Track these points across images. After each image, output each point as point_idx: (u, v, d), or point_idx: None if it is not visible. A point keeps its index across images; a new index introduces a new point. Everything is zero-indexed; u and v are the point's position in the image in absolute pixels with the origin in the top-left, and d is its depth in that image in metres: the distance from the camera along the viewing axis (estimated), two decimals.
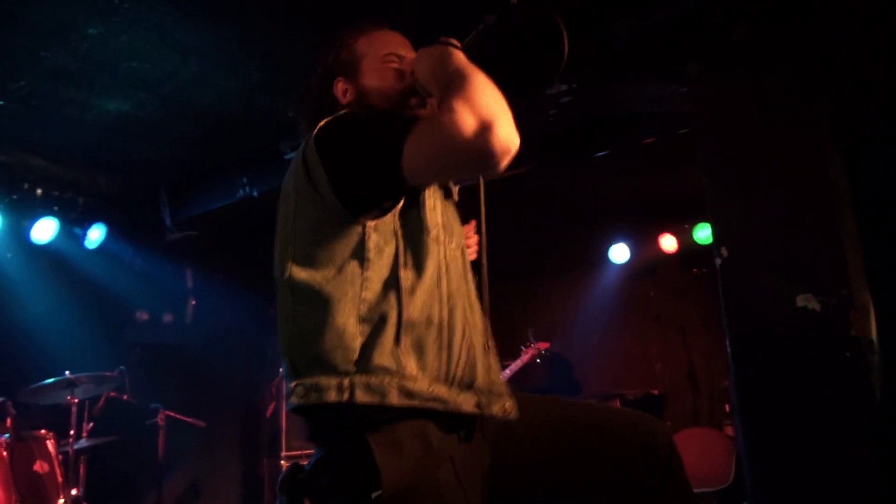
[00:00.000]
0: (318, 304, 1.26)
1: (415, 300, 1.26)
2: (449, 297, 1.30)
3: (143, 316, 4.92)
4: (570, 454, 1.41)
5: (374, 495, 1.15)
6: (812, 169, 2.35)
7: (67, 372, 3.48)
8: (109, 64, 3.18)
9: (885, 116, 2.44)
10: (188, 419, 4.13)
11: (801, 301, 2.30)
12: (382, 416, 1.21)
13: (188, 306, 5.12)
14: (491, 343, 1.40)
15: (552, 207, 5.45)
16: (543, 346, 4.61)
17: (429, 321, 1.27)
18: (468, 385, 1.29)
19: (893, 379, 2.25)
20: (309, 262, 1.29)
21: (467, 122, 1.13)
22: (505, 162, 1.18)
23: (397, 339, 1.24)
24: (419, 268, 1.29)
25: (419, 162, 1.19)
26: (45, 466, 3.07)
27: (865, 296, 2.30)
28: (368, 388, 1.21)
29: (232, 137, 3.96)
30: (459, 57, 1.29)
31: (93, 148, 4.15)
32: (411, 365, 1.24)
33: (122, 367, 3.81)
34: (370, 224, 1.28)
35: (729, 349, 2.47)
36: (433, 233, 1.33)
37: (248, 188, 4.18)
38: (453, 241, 1.38)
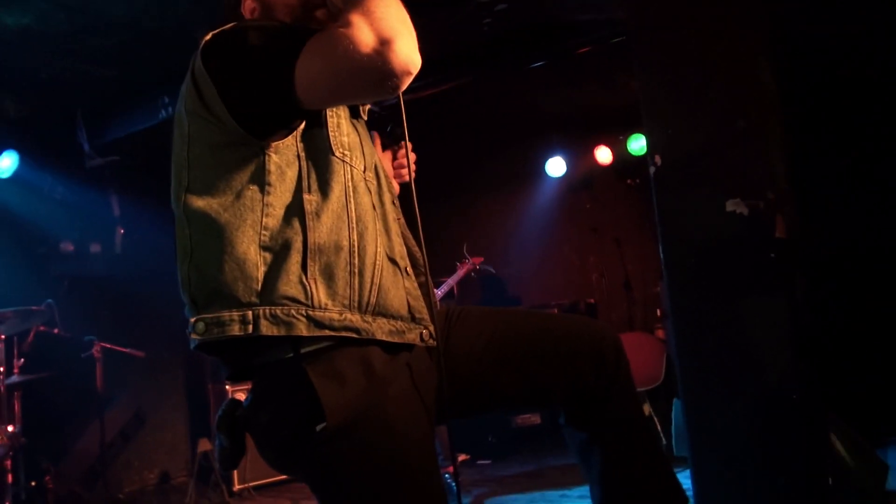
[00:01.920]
0: (217, 234, 1.18)
1: (321, 224, 1.20)
2: (358, 220, 1.23)
3: (68, 247, 4.71)
4: (517, 364, 1.42)
5: (318, 428, 1.12)
6: (744, 76, 2.38)
7: None
8: None
9: (816, 24, 2.48)
10: (126, 350, 4.05)
11: (730, 206, 2.37)
12: (318, 344, 1.17)
13: (116, 235, 4.92)
14: (410, 268, 1.35)
15: (488, 121, 5.41)
16: (478, 260, 4.66)
17: (337, 246, 1.20)
18: (381, 312, 1.24)
19: (814, 278, 2.38)
20: (205, 189, 1.21)
21: (364, 37, 1.06)
22: (404, 83, 1.10)
23: (304, 266, 1.18)
24: (324, 191, 1.22)
25: (312, 81, 1.11)
26: None
27: (790, 200, 2.39)
28: (274, 319, 1.15)
29: (149, 53, 3.70)
30: None
31: None
32: (320, 293, 1.18)
33: (49, 300, 3.67)
34: (270, 146, 1.20)
35: (661, 255, 2.55)
36: (338, 153, 1.25)
37: (170, 109, 3.96)
38: (363, 162, 1.30)
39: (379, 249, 1.26)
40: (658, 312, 5.19)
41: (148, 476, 4.93)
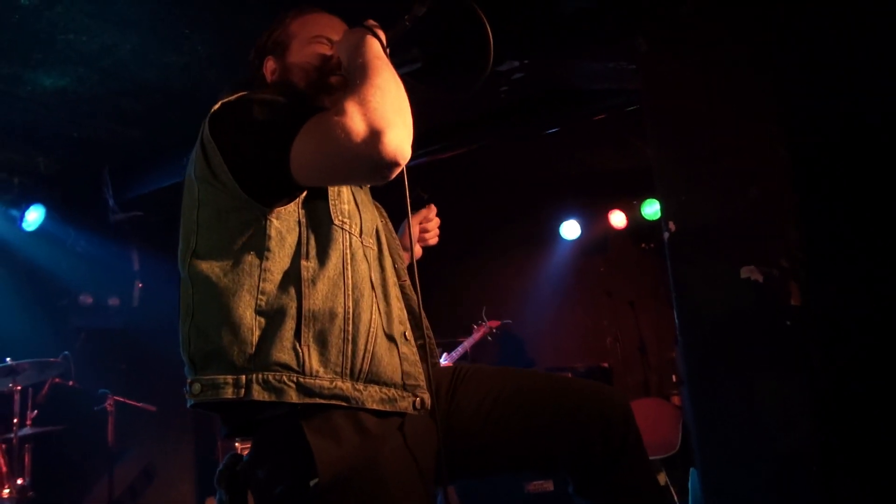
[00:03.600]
0: (216, 297, 1.22)
1: (316, 291, 1.21)
2: (354, 288, 1.25)
3: (87, 300, 4.77)
4: (522, 427, 1.40)
5: (311, 483, 1.13)
6: (757, 144, 2.42)
7: (9, 359, 3.37)
8: (44, 37, 3.04)
9: (828, 94, 2.53)
10: (138, 404, 4.05)
11: (744, 273, 2.38)
12: (314, 405, 1.18)
13: (135, 289, 4.99)
14: (410, 331, 1.35)
15: (503, 185, 5.49)
16: (494, 324, 4.68)
17: (332, 313, 1.21)
18: (374, 379, 1.24)
19: (830, 345, 2.35)
20: (210, 252, 1.25)
21: (356, 126, 1.09)
22: (393, 172, 1.14)
23: (297, 333, 1.20)
24: (322, 258, 1.24)
25: (305, 162, 1.15)
26: None
27: (805, 266, 2.40)
28: (266, 384, 1.17)
29: (177, 115, 3.84)
30: (373, 48, 1.24)
31: (29, 126, 3.97)
32: (313, 360, 1.19)
33: (66, 352, 3.70)
34: (272, 212, 1.23)
35: (676, 321, 2.55)
36: (337, 221, 1.28)
37: None
38: (362, 229, 1.32)
39: (374, 317, 1.26)
40: (674, 378, 5.12)
41: None
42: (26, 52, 3.17)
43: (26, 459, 3.23)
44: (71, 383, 3.62)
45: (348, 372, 1.21)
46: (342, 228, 1.28)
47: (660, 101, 2.66)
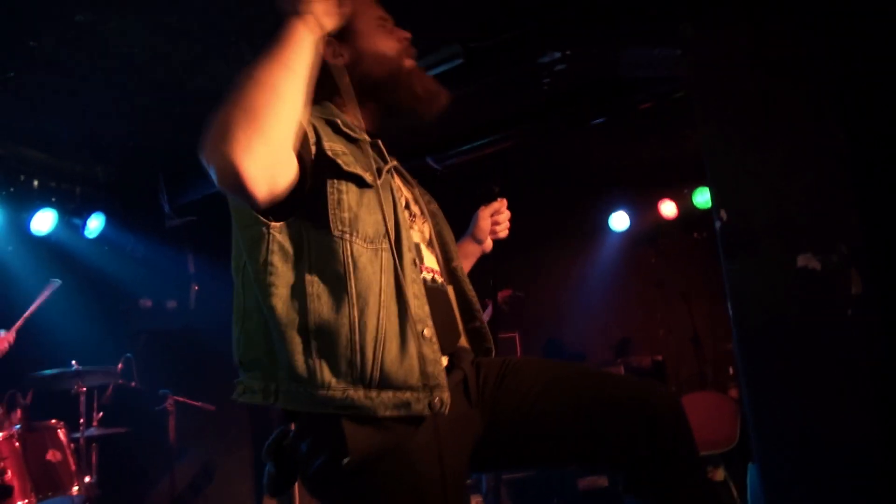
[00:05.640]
0: (245, 312, 1.30)
1: (322, 304, 1.21)
2: (358, 297, 1.22)
3: (146, 303, 4.94)
4: (567, 422, 1.38)
5: (344, 461, 1.17)
6: (811, 127, 2.33)
7: (74, 362, 3.51)
8: (99, 50, 3.15)
9: (883, 70, 2.42)
10: (198, 403, 4.17)
11: (801, 261, 2.30)
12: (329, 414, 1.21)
13: (191, 291, 5.13)
14: (431, 332, 1.29)
15: (550, 176, 5.44)
16: (505, 293, 4.61)
17: (338, 325, 1.21)
18: (387, 385, 1.22)
19: (894, 335, 2.26)
20: (236, 268, 1.33)
21: (213, 128, 1.10)
22: (245, 192, 1.10)
23: (307, 346, 1.21)
24: (323, 270, 1.23)
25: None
26: (58, 455, 3.11)
27: (867, 252, 2.30)
28: (288, 394, 1.23)
29: None
30: (295, 36, 1.22)
31: (87, 137, 4.13)
32: (323, 372, 1.20)
33: (128, 354, 3.84)
34: (274, 226, 1.24)
35: (731, 313, 2.48)
36: (336, 231, 1.24)
37: None
38: (368, 234, 1.27)
39: (382, 322, 1.24)
40: (730, 370, 4.99)
41: None
42: (83, 66, 3.29)
43: (93, 458, 3.36)
44: (133, 384, 3.75)
45: (359, 380, 1.21)
46: (342, 238, 1.24)
47: (708, 86, 2.59)
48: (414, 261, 1.35)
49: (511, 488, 4.54)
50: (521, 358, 1.49)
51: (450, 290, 1.50)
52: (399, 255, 1.30)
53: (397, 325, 1.26)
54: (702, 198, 5.25)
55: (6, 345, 3.35)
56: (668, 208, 5.44)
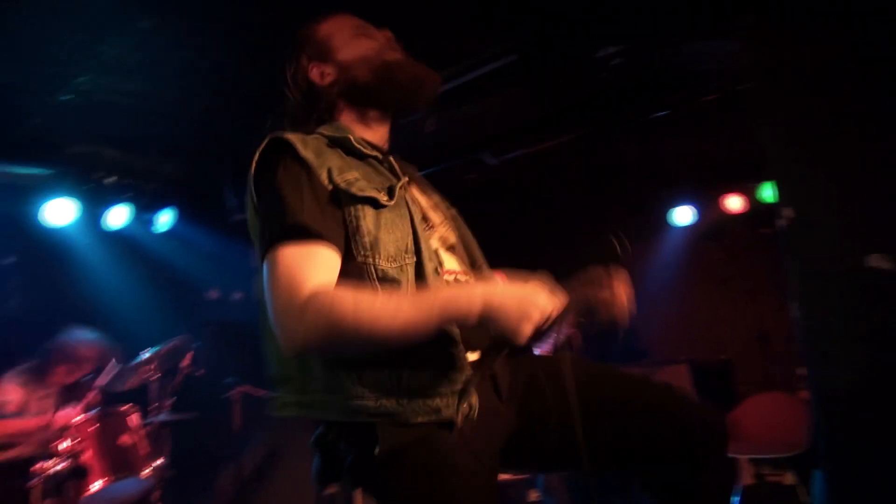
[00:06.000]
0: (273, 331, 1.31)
1: None
2: None
3: (213, 294, 5.12)
4: (602, 427, 1.37)
5: (375, 451, 1.22)
6: (881, 119, 2.21)
7: (146, 351, 3.67)
8: (164, 55, 3.28)
9: None
10: (262, 391, 4.30)
11: (872, 261, 2.19)
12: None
13: (255, 284, 5.28)
14: (459, 335, 1.29)
15: (611, 170, 5.34)
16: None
17: None
18: (417, 393, 1.24)
19: None
20: (262, 290, 1.35)
21: (297, 319, 1.19)
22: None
23: (339, 360, 1.26)
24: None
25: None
26: (131, 439, 3.27)
27: None
28: (324, 406, 1.28)
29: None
30: (461, 310, 1.19)
31: (157, 136, 4.31)
32: (351, 383, 1.25)
33: (197, 343, 3.98)
34: None
35: (797, 314, 2.39)
36: (360, 259, 1.29)
37: None
38: (389, 253, 1.30)
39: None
40: (798, 372, 4.79)
41: None
42: (150, 70, 3.44)
43: (165, 443, 3.51)
44: (201, 373, 3.89)
45: (390, 389, 1.25)
46: (365, 263, 1.29)
47: (770, 79, 2.49)
48: (436, 269, 1.37)
49: (569, 483, 4.49)
50: (559, 356, 1.46)
51: None
52: (420, 266, 1.33)
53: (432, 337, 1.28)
54: (769, 192, 5.06)
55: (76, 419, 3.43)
56: (733, 203, 5.26)
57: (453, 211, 1.62)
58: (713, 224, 5.57)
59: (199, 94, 3.70)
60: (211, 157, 4.55)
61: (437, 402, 1.25)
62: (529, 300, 1.17)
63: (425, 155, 4.54)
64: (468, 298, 1.19)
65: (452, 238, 1.52)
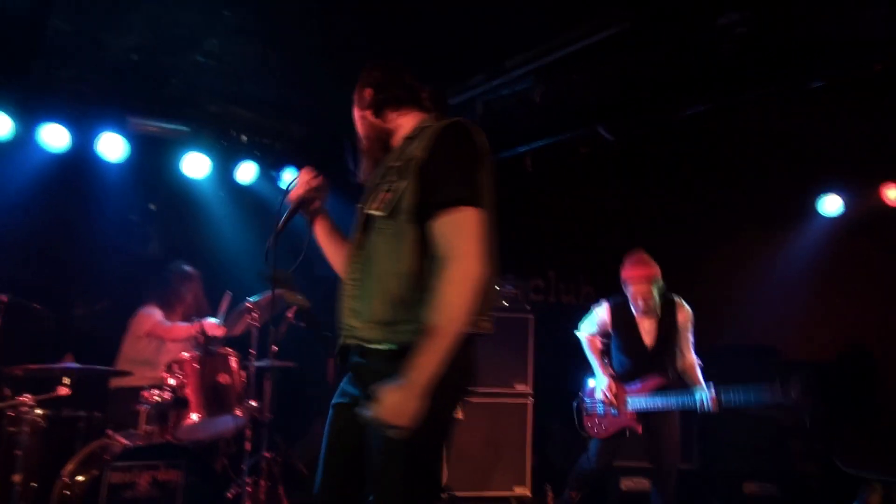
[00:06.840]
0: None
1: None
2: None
3: None
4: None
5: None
6: None
7: (252, 298, 3.89)
8: (286, 20, 3.43)
9: None
10: None
11: None
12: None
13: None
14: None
15: (750, 153, 4.88)
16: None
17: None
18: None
19: None
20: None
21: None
22: None
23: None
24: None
25: None
26: (228, 379, 3.52)
27: None
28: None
29: None
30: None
31: (283, 98, 4.55)
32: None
33: (307, 298, 4.17)
34: None
35: None
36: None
37: None
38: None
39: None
40: None
41: None
42: (273, 36, 3.61)
43: (266, 387, 3.73)
44: (303, 325, 4.06)
45: None
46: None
47: None
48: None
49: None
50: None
51: None
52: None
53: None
54: None
55: (221, 333, 3.90)
56: (893, 194, 4.63)
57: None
58: (867, 216, 4.92)
59: (320, 59, 3.84)
60: (333, 120, 4.72)
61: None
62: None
63: (537, 125, 4.41)
64: None
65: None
